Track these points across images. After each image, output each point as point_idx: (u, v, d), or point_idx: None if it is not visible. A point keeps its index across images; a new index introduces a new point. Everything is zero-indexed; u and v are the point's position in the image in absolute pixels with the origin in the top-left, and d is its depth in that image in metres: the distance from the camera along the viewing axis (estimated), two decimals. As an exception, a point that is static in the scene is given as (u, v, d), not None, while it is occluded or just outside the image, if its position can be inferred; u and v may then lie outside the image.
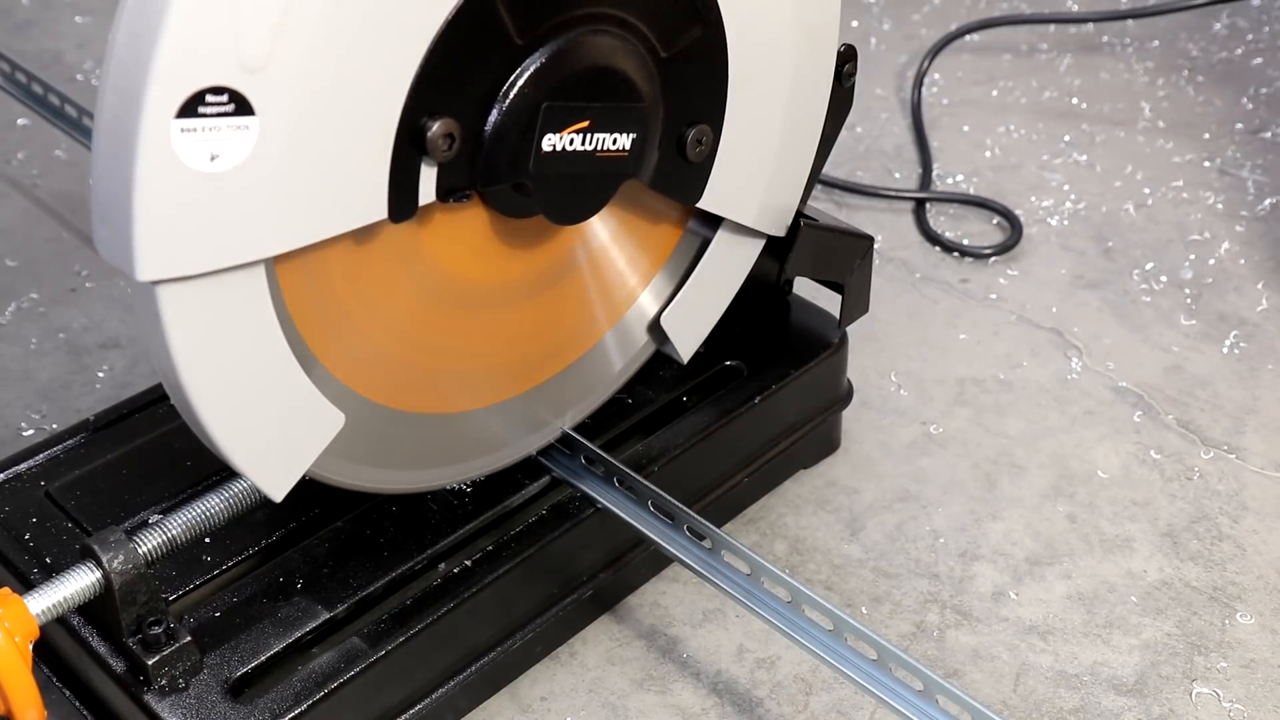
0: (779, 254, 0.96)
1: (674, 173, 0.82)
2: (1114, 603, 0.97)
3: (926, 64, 1.54)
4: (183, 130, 0.61)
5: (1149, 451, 1.09)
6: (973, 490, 1.06)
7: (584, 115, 0.74)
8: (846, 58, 0.91)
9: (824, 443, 1.08)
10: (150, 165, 0.61)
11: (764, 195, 0.89)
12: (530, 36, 0.71)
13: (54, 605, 0.75)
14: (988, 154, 1.45)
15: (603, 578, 0.93)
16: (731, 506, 1.02)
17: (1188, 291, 1.25)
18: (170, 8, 0.59)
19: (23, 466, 0.91)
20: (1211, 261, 1.29)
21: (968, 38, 1.62)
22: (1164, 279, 1.27)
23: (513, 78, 0.71)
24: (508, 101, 0.71)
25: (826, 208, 1.36)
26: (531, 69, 0.72)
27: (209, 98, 0.61)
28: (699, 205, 0.85)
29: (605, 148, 0.76)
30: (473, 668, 0.87)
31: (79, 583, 0.75)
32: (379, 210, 0.70)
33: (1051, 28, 1.65)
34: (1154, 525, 1.03)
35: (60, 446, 0.93)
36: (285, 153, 0.65)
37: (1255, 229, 1.33)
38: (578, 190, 0.78)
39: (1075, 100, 1.53)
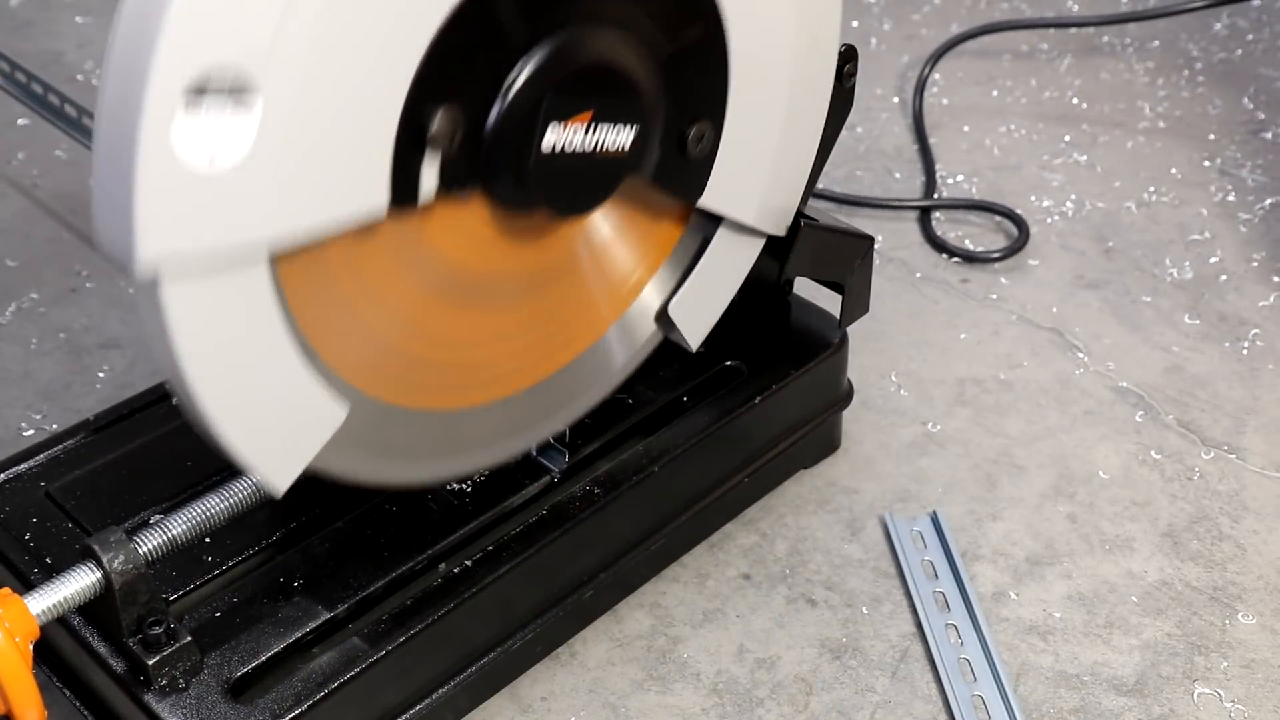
0: (779, 254, 0.96)
1: (675, 170, 0.82)
2: (1114, 603, 0.97)
3: (927, 70, 1.53)
4: (185, 117, 0.61)
5: (1149, 451, 1.09)
6: (973, 490, 1.06)
7: (586, 107, 0.75)
8: (847, 58, 0.91)
9: (824, 443, 1.08)
10: (152, 153, 0.60)
11: (764, 194, 0.89)
12: (534, 29, 0.71)
13: (54, 605, 0.75)
14: (988, 155, 1.45)
15: (603, 577, 0.93)
16: (731, 506, 1.02)
17: (1188, 291, 1.25)
18: None
19: (23, 466, 0.91)
20: (1212, 261, 1.29)
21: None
22: (1164, 279, 1.27)
23: (516, 69, 0.72)
24: (512, 92, 0.71)
25: (827, 207, 1.36)
26: (535, 60, 0.72)
27: (211, 85, 0.61)
28: (699, 204, 0.85)
29: (607, 140, 0.76)
30: (473, 668, 0.87)
31: (79, 583, 0.75)
32: (380, 201, 0.69)
33: (1051, 28, 1.65)
34: (1154, 525, 1.02)
35: (60, 446, 0.93)
36: (287, 141, 0.64)
37: (1255, 229, 1.33)
38: (580, 183, 0.78)
39: (1075, 100, 1.53)
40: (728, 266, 0.92)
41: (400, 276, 0.76)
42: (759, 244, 0.93)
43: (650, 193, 0.84)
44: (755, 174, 0.87)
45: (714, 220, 0.89)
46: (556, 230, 0.82)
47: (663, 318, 0.91)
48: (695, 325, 0.92)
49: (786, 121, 0.87)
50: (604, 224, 0.86)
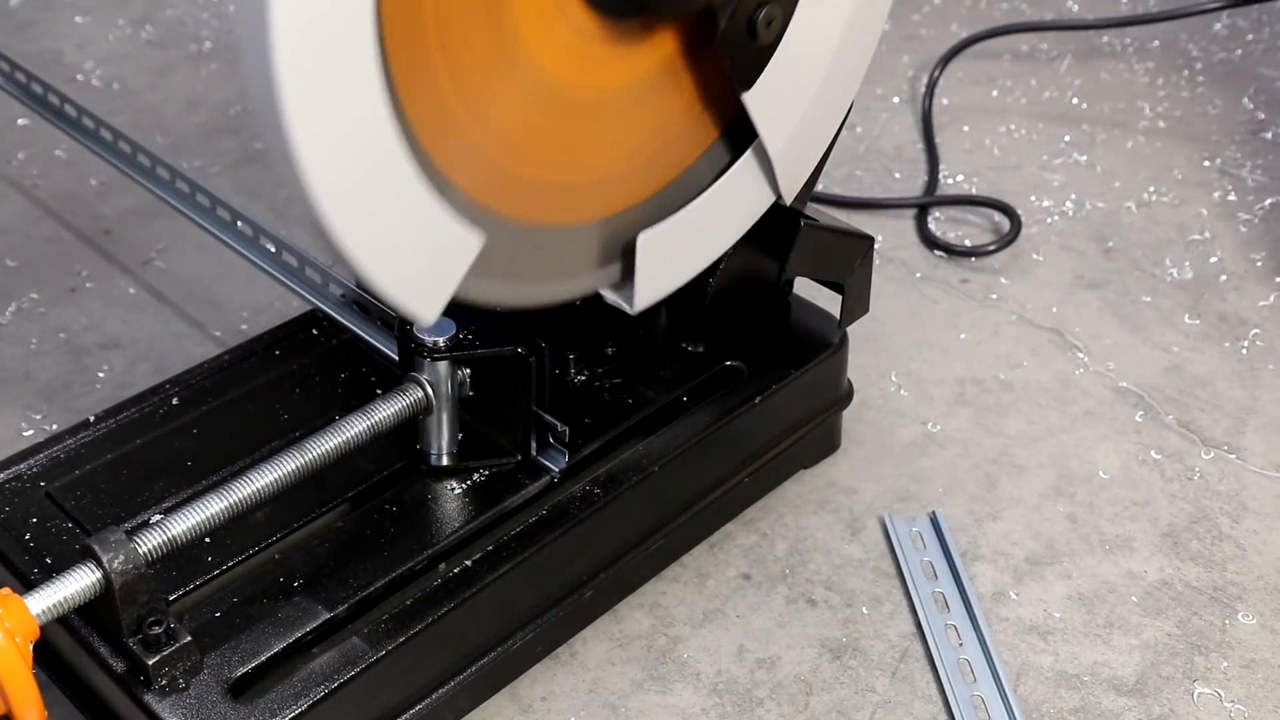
0: (779, 254, 0.96)
1: (740, 47, 0.85)
2: (1114, 603, 0.97)
3: (937, 73, 1.53)
4: None
5: (1149, 451, 1.09)
6: (973, 490, 1.06)
7: None
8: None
9: (824, 443, 1.08)
10: None
11: (796, 131, 0.90)
12: None
13: (54, 605, 0.75)
14: (988, 155, 1.45)
15: (603, 578, 0.93)
16: (731, 506, 1.02)
17: (1188, 291, 1.25)
18: None
19: (23, 466, 0.91)
20: (1211, 261, 1.29)
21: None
22: (1164, 279, 1.27)
23: None
24: None
25: (823, 207, 1.36)
26: None
27: None
28: (746, 96, 0.86)
29: None
30: (473, 668, 0.87)
31: (79, 583, 0.75)
32: None
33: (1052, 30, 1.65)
34: (1154, 525, 1.03)
35: (60, 446, 0.93)
36: None
37: (1255, 229, 1.33)
38: None
39: (1075, 100, 1.53)
40: (718, 223, 0.91)
41: (508, 85, 0.77)
42: (756, 211, 0.92)
43: (714, 65, 0.86)
44: (796, 101, 0.89)
45: (732, 159, 0.89)
46: (650, 41, 0.84)
47: (627, 256, 0.88)
48: (651, 277, 0.89)
49: (834, 63, 0.89)
50: (695, 48, 0.87)
